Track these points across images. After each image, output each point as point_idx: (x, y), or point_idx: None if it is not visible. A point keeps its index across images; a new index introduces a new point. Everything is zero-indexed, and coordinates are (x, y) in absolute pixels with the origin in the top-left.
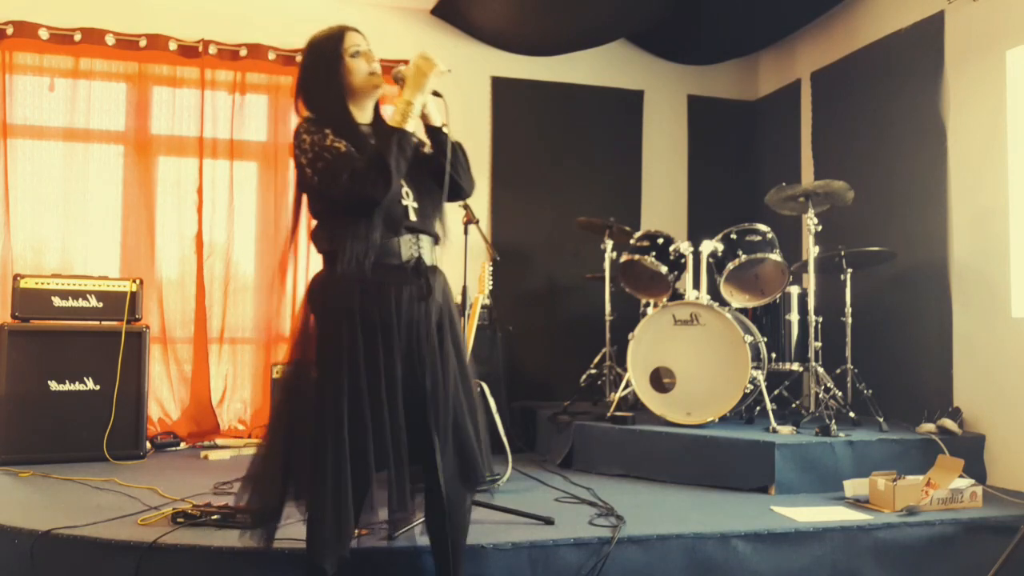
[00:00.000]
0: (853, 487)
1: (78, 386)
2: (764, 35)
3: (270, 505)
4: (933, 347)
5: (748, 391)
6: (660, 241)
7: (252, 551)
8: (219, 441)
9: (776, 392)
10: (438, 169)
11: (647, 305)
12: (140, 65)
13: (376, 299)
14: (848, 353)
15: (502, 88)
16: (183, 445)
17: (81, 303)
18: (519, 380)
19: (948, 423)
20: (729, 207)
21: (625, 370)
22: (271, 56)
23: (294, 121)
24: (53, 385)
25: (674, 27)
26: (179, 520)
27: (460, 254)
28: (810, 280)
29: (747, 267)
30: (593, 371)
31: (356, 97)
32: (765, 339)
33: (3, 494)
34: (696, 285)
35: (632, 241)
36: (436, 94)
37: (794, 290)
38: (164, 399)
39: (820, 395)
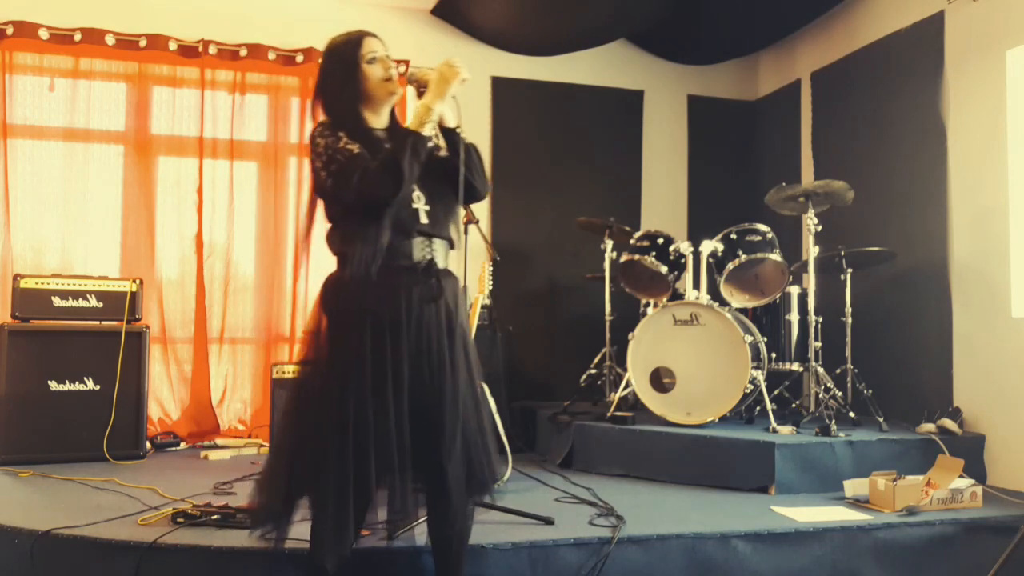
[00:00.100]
0: (853, 487)
1: (78, 386)
2: (764, 35)
3: (280, 504)
4: (933, 347)
5: (748, 391)
6: (660, 241)
7: (252, 551)
8: (219, 441)
9: (776, 392)
10: (452, 171)
11: (647, 305)
12: (140, 65)
13: (386, 300)
14: (848, 353)
15: (502, 88)
16: (183, 445)
17: (81, 303)
18: (519, 380)
19: (948, 423)
20: (729, 207)
21: (625, 370)
22: (271, 56)
23: (294, 121)
24: (53, 385)
25: (674, 27)
26: (179, 520)
27: (460, 254)
28: (810, 280)
29: (747, 267)
30: (593, 371)
31: (371, 103)
32: (765, 339)
33: (3, 494)
34: (696, 285)
35: (632, 241)
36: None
37: (794, 290)
38: (164, 399)
39: (820, 395)
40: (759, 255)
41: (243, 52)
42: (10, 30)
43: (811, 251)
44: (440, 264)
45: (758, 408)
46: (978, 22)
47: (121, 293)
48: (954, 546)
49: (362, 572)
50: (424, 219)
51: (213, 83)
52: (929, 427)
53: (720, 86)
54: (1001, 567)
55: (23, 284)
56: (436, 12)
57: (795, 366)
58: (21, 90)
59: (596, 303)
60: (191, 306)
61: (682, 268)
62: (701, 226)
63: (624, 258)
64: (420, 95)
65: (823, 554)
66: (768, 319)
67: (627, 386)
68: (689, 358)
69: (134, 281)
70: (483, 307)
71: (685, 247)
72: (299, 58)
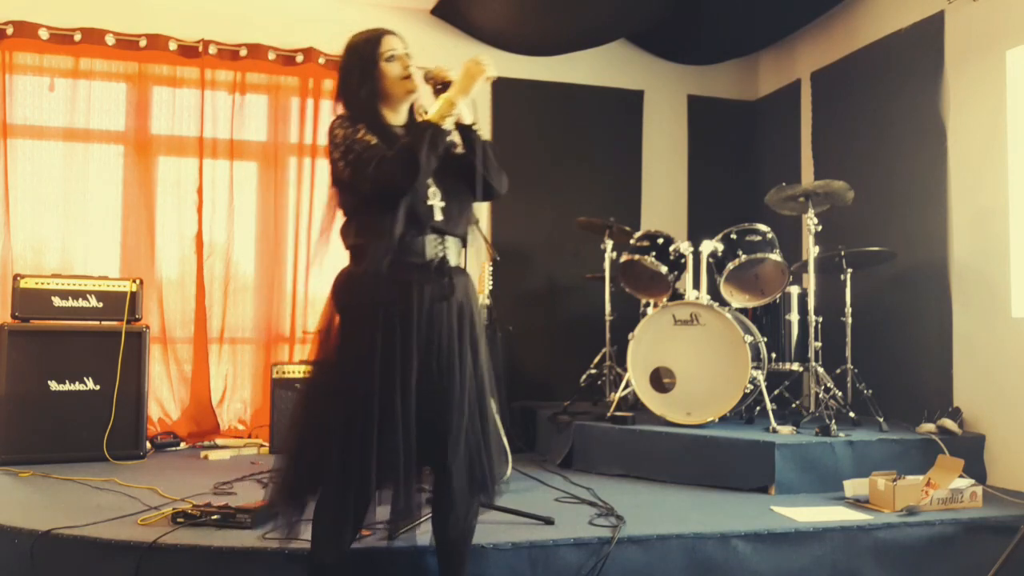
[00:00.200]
0: (853, 487)
1: (78, 386)
2: (764, 35)
3: (288, 503)
4: (933, 347)
5: (748, 391)
6: (660, 241)
7: (252, 551)
8: (219, 441)
9: (776, 392)
10: (468, 168)
11: (647, 305)
12: (140, 65)
13: (397, 296)
14: (848, 353)
15: (502, 88)
16: (183, 445)
17: (81, 303)
18: (519, 380)
19: (948, 423)
20: (729, 207)
21: (625, 370)
22: (271, 56)
23: (294, 121)
24: (53, 385)
25: (674, 27)
26: (179, 520)
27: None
28: (810, 280)
29: (747, 267)
30: (593, 371)
31: (390, 100)
32: (765, 339)
33: (3, 494)
34: (696, 285)
35: (632, 241)
36: None
37: (794, 290)
38: (164, 399)
39: (820, 395)
40: (759, 255)
41: (243, 52)
42: (10, 30)
43: (811, 251)
44: (452, 262)
45: (758, 408)
46: (978, 22)
47: (121, 293)
48: (954, 546)
49: (363, 572)
50: (439, 216)
51: (213, 83)
52: (929, 427)
53: (720, 86)
54: (1001, 567)
55: (23, 284)
56: (436, 12)
57: (795, 366)
58: (21, 90)
59: (596, 303)
60: (191, 306)
61: (682, 268)
62: (701, 226)
63: (624, 258)
64: (436, 93)
65: (823, 554)
66: (768, 319)
67: (627, 386)
68: (689, 358)
69: (134, 281)
70: (483, 307)
71: (685, 247)
72: (299, 58)
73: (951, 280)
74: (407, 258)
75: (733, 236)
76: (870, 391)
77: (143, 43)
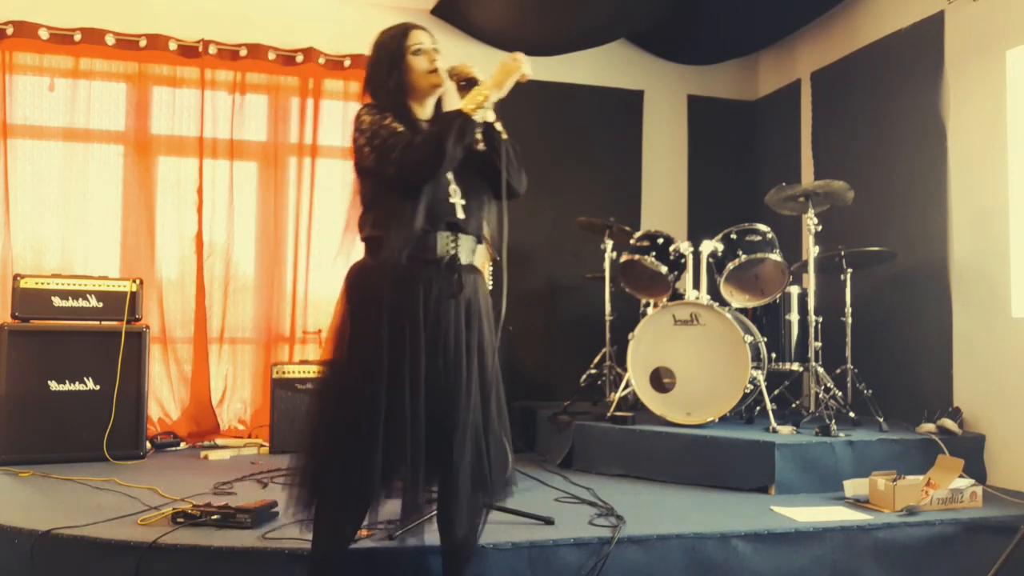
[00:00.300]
0: (853, 487)
1: (78, 386)
2: (764, 35)
3: (307, 497)
4: (933, 347)
5: (748, 391)
6: (660, 241)
7: (252, 551)
8: (219, 441)
9: (776, 392)
10: (488, 166)
11: (647, 305)
12: (140, 65)
13: (406, 292)
14: (848, 353)
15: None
16: (183, 445)
17: (81, 303)
18: (519, 380)
19: (948, 423)
20: (729, 207)
21: (625, 370)
22: (271, 56)
23: (294, 121)
24: (53, 385)
25: (674, 27)
26: (179, 520)
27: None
28: (810, 280)
29: (747, 267)
30: (593, 371)
31: (416, 94)
32: (765, 339)
33: (3, 494)
34: (696, 285)
35: (632, 241)
36: None
37: (794, 290)
38: (164, 399)
39: (820, 395)
40: (759, 255)
41: (243, 52)
42: (10, 30)
43: (811, 251)
44: (464, 260)
45: (758, 408)
46: (978, 22)
47: (121, 293)
48: (954, 546)
49: (364, 572)
50: (461, 214)
51: (213, 83)
52: (929, 427)
53: (720, 86)
54: (1001, 567)
55: (23, 284)
56: (436, 12)
57: (795, 366)
58: (21, 90)
59: (596, 303)
60: (191, 306)
61: (682, 268)
62: (701, 226)
63: (624, 258)
64: (460, 89)
65: (823, 554)
66: (768, 319)
67: (627, 386)
68: (689, 358)
69: (134, 281)
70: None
71: (685, 247)
72: (299, 58)
73: (951, 280)
74: (419, 254)
75: (733, 236)
76: (870, 391)
77: (143, 43)
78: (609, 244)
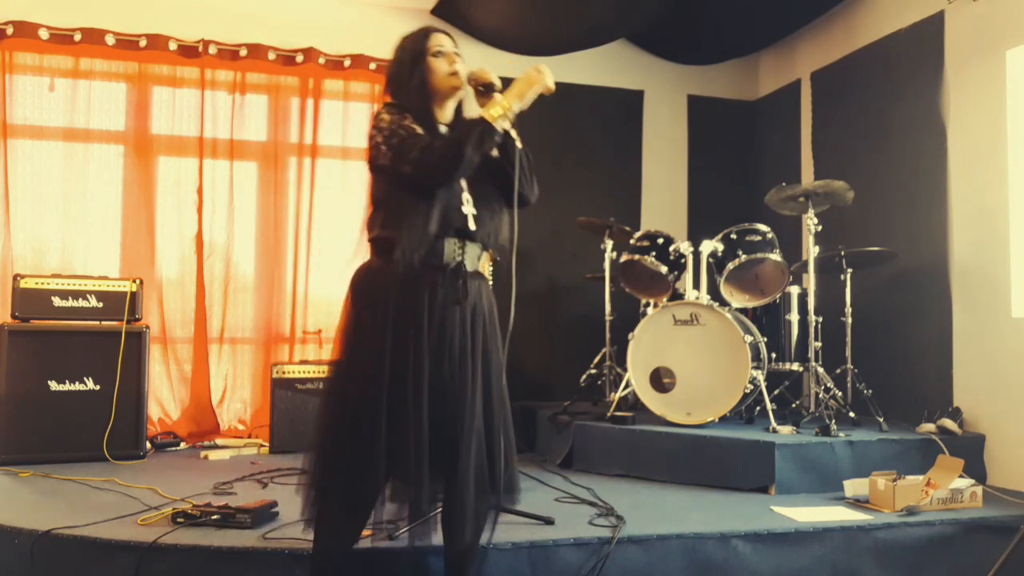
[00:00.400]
0: (853, 487)
1: (78, 386)
2: (764, 35)
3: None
4: (933, 347)
5: (748, 391)
6: (660, 241)
7: (252, 551)
8: (219, 441)
9: (776, 392)
10: (499, 173)
11: (647, 305)
12: (140, 65)
13: (411, 296)
14: (848, 353)
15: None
16: (183, 445)
17: (81, 303)
18: (519, 380)
19: (948, 423)
20: (729, 207)
21: (625, 370)
22: (271, 56)
23: (294, 121)
24: (53, 385)
25: (674, 27)
26: (179, 520)
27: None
28: (810, 280)
29: (747, 267)
30: (593, 371)
31: (436, 97)
32: (765, 339)
33: (3, 494)
34: (696, 285)
35: (632, 241)
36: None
37: (794, 290)
38: (164, 399)
39: (820, 395)
40: (759, 255)
41: (243, 52)
42: (10, 30)
43: (811, 251)
44: (470, 267)
45: (758, 408)
46: (978, 22)
47: (121, 293)
48: (954, 546)
49: (365, 572)
50: (472, 225)
51: (213, 83)
52: (929, 427)
53: (720, 86)
54: (1001, 567)
55: (23, 284)
56: (436, 12)
57: (795, 366)
58: (21, 90)
59: (596, 303)
60: (191, 306)
61: (682, 268)
62: (701, 226)
63: (624, 258)
64: (478, 95)
65: (823, 554)
66: (768, 319)
67: (627, 386)
68: (689, 358)
69: (134, 281)
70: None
71: (685, 247)
72: (299, 58)
73: (951, 280)
74: (426, 259)
75: (733, 236)
76: (870, 391)
77: (143, 43)
78: (609, 244)
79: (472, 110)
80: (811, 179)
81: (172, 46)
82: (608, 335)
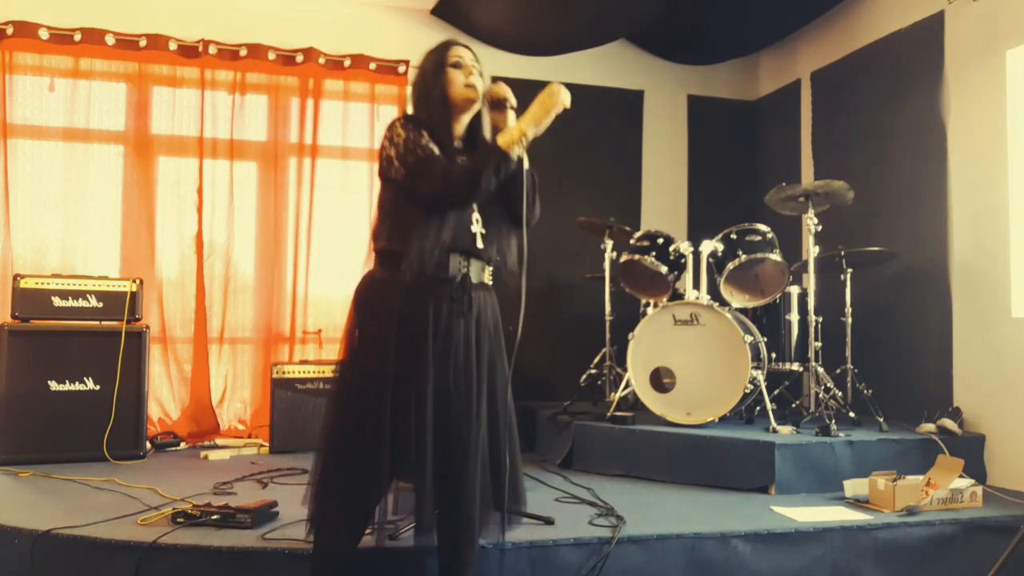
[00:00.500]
0: (853, 487)
1: (78, 386)
2: (764, 35)
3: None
4: (933, 347)
5: (748, 391)
6: (660, 241)
7: (252, 551)
8: (219, 441)
9: (776, 392)
10: (504, 193)
11: (647, 305)
12: (140, 65)
13: (416, 306)
14: (848, 353)
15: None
16: (183, 445)
17: (81, 303)
18: (519, 380)
19: (948, 423)
20: (729, 207)
21: (625, 370)
22: (271, 56)
23: (294, 121)
24: (53, 385)
25: (674, 27)
26: (179, 520)
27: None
28: (810, 280)
29: (747, 267)
30: (593, 371)
31: (453, 108)
32: (765, 339)
33: (3, 494)
34: (696, 285)
35: (632, 241)
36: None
37: (794, 290)
38: (164, 399)
39: (820, 395)
40: (759, 255)
41: (243, 52)
42: (10, 30)
43: (811, 251)
44: (474, 280)
45: (758, 408)
46: (978, 22)
47: (121, 293)
48: (954, 546)
49: (365, 572)
50: (480, 243)
51: (213, 83)
52: (929, 427)
53: (720, 86)
54: (1001, 567)
55: (23, 284)
56: (436, 12)
57: (795, 366)
58: (21, 90)
59: (596, 303)
60: (191, 306)
61: (682, 268)
62: (701, 226)
63: (624, 258)
64: (491, 108)
65: (823, 554)
66: (768, 319)
67: (627, 386)
68: (689, 358)
69: (134, 281)
70: None
71: (685, 247)
72: (299, 58)
73: (951, 280)
74: (431, 272)
75: (733, 236)
76: (870, 391)
77: (143, 43)
78: (609, 244)
79: (486, 123)
80: (811, 179)
81: (172, 46)
82: (608, 335)
